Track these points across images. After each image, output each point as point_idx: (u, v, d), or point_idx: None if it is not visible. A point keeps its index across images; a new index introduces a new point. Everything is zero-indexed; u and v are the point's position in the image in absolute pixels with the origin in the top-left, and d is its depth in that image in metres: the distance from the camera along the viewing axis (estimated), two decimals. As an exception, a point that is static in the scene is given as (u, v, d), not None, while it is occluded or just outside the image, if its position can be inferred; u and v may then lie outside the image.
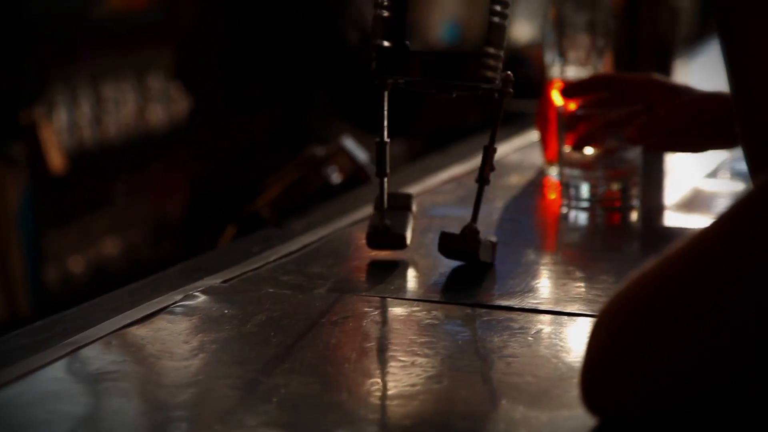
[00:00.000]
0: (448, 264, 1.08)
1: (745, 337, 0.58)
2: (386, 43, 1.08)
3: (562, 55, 1.43)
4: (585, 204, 1.28)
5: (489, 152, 1.06)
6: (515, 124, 1.86)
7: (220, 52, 1.99)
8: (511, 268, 1.10)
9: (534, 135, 1.64)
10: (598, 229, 1.28)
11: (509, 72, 1.05)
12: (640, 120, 1.24)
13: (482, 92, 1.04)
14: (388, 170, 1.10)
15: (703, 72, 2.33)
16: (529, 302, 0.98)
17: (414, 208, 1.19)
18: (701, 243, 0.60)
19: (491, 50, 1.01)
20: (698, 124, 1.24)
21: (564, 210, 1.29)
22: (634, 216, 1.29)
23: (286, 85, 1.95)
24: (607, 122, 1.27)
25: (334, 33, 1.91)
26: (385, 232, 1.10)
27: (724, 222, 0.60)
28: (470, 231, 1.06)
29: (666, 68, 1.68)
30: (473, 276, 1.07)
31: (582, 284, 1.05)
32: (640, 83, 1.29)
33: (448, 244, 1.07)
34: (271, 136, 1.95)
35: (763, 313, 0.57)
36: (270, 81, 1.95)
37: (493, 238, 1.10)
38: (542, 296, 1.00)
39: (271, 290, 1.03)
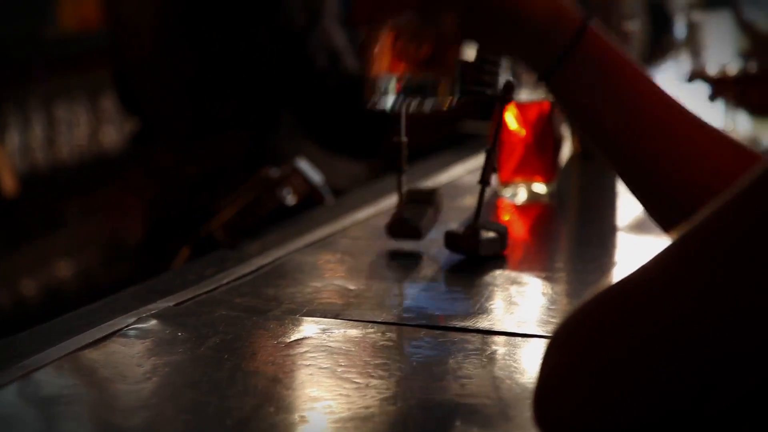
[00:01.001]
0: (404, 286, 1.09)
1: (700, 358, 0.59)
2: None
3: (516, 78, 1.44)
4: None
5: (491, 155, 1.16)
6: (469, 145, 1.87)
7: (182, 75, 1.98)
8: (466, 289, 1.10)
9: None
10: (553, 250, 1.28)
11: (510, 79, 1.13)
12: None
13: (484, 98, 1.08)
14: (405, 167, 1.22)
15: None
16: (484, 323, 0.98)
17: (438, 202, 1.26)
18: (654, 265, 0.61)
19: (490, 58, 1.06)
20: None
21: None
22: (592, 237, 1.30)
23: (251, 108, 1.94)
24: None
25: (302, 55, 1.91)
26: (403, 224, 1.20)
27: (677, 245, 0.60)
28: (471, 230, 1.17)
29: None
30: (428, 297, 1.07)
31: (536, 305, 1.06)
32: None
33: (452, 242, 1.19)
34: (236, 158, 1.95)
35: (717, 333, 0.58)
36: (235, 104, 1.94)
37: (495, 234, 1.17)
38: (497, 317, 1.01)
39: (224, 313, 1.02)
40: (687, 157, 0.88)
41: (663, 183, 0.88)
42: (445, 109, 0.92)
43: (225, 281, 1.12)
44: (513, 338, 0.95)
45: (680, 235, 0.60)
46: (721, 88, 1.79)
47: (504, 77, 1.10)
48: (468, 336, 0.95)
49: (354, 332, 0.96)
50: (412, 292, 1.09)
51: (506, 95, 1.13)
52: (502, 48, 0.94)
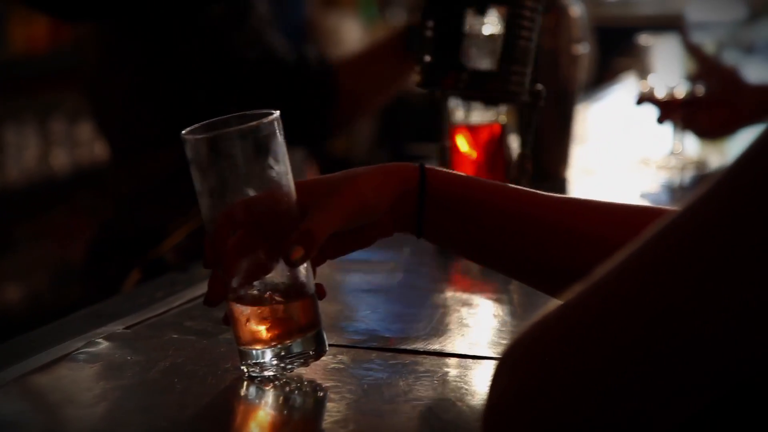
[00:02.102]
0: (354, 308, 1.09)
1: (650, 376, 0.59)
2: (428, 59, 1.25)
3: (466, 100, 1.45)
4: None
5: (522, 160, 1.27)
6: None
7: (125, 90, 1.96)
8: (417, 311, 1.10)
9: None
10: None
11: (539, 85, 1.23)
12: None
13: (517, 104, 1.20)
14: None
15: (602, 117, 2.38)
16: (435, 345, 0.98)
17: None
18: (600, 286, 0.61)
19: (517, 68, 1.15)
20: None
21: None
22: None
23: (189, 121, 1.92)
24: None
25: (231, 56, 1.89)
26: None
27: (620, 264, 0.61)
28: None
29: (566, 113, 1.70)
30: (379, 320, 1.07)
31: (488, 327, 1.06)
32: None
33: None
34: (177, 174, 1.93)
35: (665, 352, 0.58)
36: (174, 117, 1.93)
37: None
38: (448, 339, 1.01)
39: (175, 336, 1.02)
40: (579, 245, 0.88)
41: (566, 276, 0.88)
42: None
43: (176, 304, 1.12)
44: (464, 360, 0.95)
45: (624, 254, 0.61)
46: (669, 111, 1.81)
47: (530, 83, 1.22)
48: (419, 358, 0.95)
49: (305, 355, 0.96)
50: (364, 315, 1.09)
51: (537, 100, 1.26)
52: (369, 240, 0.94)
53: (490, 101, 1.32)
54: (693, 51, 1.93)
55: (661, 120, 1.82)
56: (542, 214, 0.89)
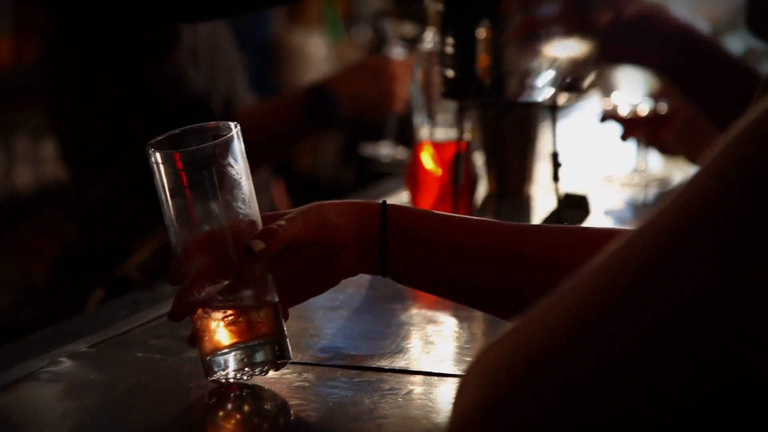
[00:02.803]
0: (320, 326, 1.08)
1: (609, 394, 0.59)
2: (451, 74, 1.34)
3: (431, 117, 1.46)
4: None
5: (554, 158, 1.38)
6: (386, 184, 1.88)
7: (73, 108, 1.95)
8: (383, 329, 1.10)
9: (405, 195, 1.65)
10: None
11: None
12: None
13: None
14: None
15: (567, 134, 2.38)
16: (401, 363, 0.98)
17: (589, 206, 1.47)
18: (559, 303, 0.62)
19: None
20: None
21: None
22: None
23: (135, 141, 1.91)
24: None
25: (143, 87, 1.89)
26: None
27: (578, 281, 0.61)
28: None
29: (530, 131, 1.71)
30: (344, 337, 1.07)
31: (453, 344, 1.06)
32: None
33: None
34: (136, 192, 1.92)
35: (621, 367, 0.59)
36: (119, 136, 1.92)
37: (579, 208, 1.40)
38: (413, 357, 1.01)
39: (139, 355, 1.01)
40: (543, 272, 0.89)
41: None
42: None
43: (140, 322, 1.11)
44: (429, 377, 0.95)
45: (581, 273, 0.61)
46: (632, 128, 1.82)
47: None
48: (384, 376, 0.95)
49: (270, 373, 0.95)
50: (329, 332, 1.09)
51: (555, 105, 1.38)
52: (334, 278, 0.95)
53: (509, 108, 1.45)
54: None
55: (624, 137, 1.83)
56: (503, 245, 0.90)
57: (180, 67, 1.90)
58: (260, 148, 1.98)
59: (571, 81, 1.36)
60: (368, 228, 0.92)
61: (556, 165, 1.40)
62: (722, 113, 1.36)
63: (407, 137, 2.05)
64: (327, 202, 0.93)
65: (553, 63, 1.31)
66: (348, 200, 0.94)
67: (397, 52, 2.12)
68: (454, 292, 0.94)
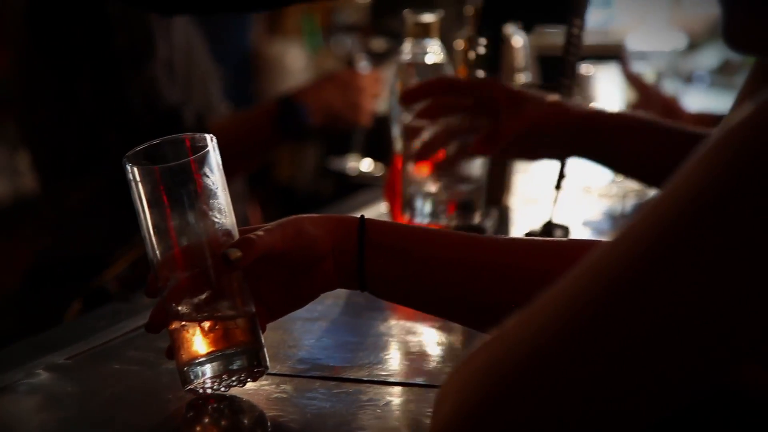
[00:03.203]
0: (298, 337, 1.08)
1: (587, 401, 0.60)
2: (481, 73, 1.41)
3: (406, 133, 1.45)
4: (428, 219, 1.28)
5: (563, 165, 1.40)
6: (364, 195, 1.88)
7: (45, 119, 1.95)
8: (361, 340, 1.10)
9: (383, 206, 1.65)
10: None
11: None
12: (485, 131, 1.26)
13: None
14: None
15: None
16: (379, 374, 0.98)
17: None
18: (537, 313, 0.62)
19: (567, 81, 1.35)
20: (535, 134, 1.26)
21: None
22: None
23: (106, 153, 1.90)
24: (448, 130, 1.29)
25: (117, 101, 1.89)
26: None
27: (556, 292, 0.62)
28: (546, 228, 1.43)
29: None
30: (323, 348, 1.07)
31: (431, 356, 1.06)
32: (484, 85, 1.31)
33: None
34: (112, 203, 1.91)
35: (604, 376, 0.59)
36: (91, 148, 1.91)
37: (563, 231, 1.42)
38: (392, 368, 1.01)
39: (117, 366, 1.01)
40: (520, 285, 0.89)
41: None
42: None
43: (118, 334, 1.11)
44: (408, 388, 0.95)
45: (558, 285, 0.62)
46: None
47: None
48: (363, 387, 0.95)
49: (248, 384, 0.95)
50: (307, 343, 1.08)
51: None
52: (313, 292, 0.95)
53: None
54: (633, 80, 1.95)
55: None
56: (479, 258, 0.91)
57: (154, 80, 1.90)
58: (231, 160, 1.99)
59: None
60: (346, 242, 0.92)
61: (561, 175, 1.43)
62: (653, 177, 1.36)
63: (375, 150, 2.06)
64: (304, 215, 0.93)
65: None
66: (326, 214, 0.95)
67: (364, 67, 2.13)
68: (432, 305, 0.94)
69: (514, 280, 0.89)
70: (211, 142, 0.90)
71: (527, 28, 1.54)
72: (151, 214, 0.89)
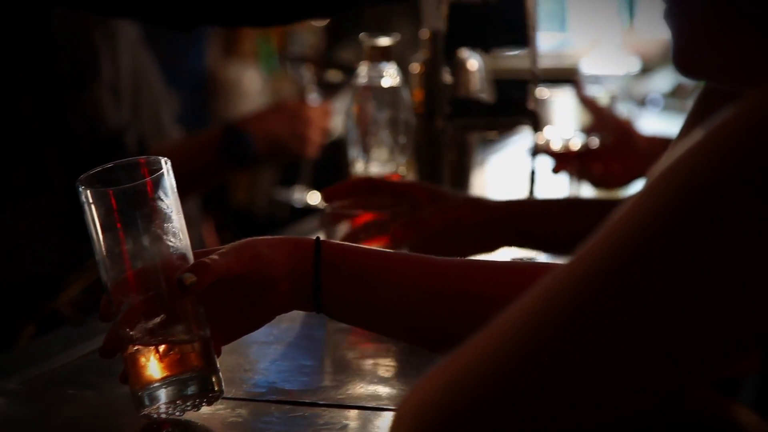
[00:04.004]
0: (254, 361, 1.08)
1: (542, 424, 0.60)
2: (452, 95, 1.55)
3: (366, 151, 1.46)
4: None
5: (532, 176, 1.52)
6: (312, 221, 1.87)
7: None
8: (318, 363, 1.10)
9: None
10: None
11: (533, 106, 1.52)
12: (404, 220, 1.27)
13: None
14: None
15: (499, 167, 2.41)
16: (335, 397, 0.98)
17: None
18: (494, 334, 0.62)
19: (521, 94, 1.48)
20: (455, 229, 1.27)
21: None
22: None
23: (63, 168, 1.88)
24: (370, 221, 1.30)
25: (57, 123, 1.88)
26: None
27: (514, 311, 0.62)
28: None
29: (464, 164, 1.72)
30: (278, 372, 1.06)
31: (387, 378, 1.06)
32: (406, 187, 1.32)
33: None
34: (62, 227, 1.89)
35: (559, 399, 0.59)
36: (35, 170, 1.89)
37: None
38: (348, 391, 1.01)
39: (71, 391, 1.00)
40: (473, 308, 0.90)
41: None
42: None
43: (72, 359, 1.10)
44: (364, 411, 0.95)
45: (512, 308, 0.62)
46: (564, 161, 1.85)
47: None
48: (319, 410, 0.95)
49: (204, 408, 0.95)
50: (263, 367, 1.08)
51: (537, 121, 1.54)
52: (269, 314, 0.95)
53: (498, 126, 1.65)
54: (587, 103, 1.97)
55: (555, 170, 1.85)
56: (436, 281, 0.91)
57: (98, 102, 1.89)
58: (177, 183, 1.98)
59: None
60: (302, 264, 0.92)
61: (533, 181, 1.53)
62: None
63: (329, 177, 2.06)
64: (260, 237, 0.93)
65: None
66: (281, 236, 0.94)
67: (314, 98, 2.14)
68: (387, 327, 0.94)
69: (469, 304, 0.90)
70: (166, 165, 0.90)
71: (486, 50, 1.62)
72: (104, 237, 0.88)
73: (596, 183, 1.91)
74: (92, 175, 0.89)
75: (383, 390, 1.02)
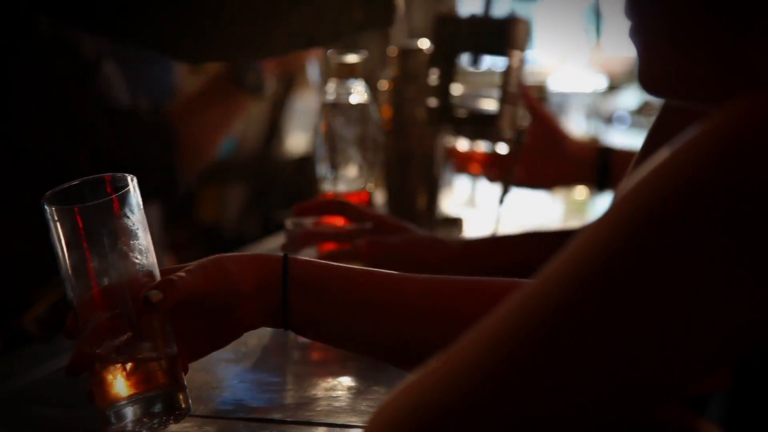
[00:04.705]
0: (221, 378, 1.08)
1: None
2: (434, 102, 1.63)
3: (334, 169, 1.46)
4: None
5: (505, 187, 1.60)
6: (280, 238, 1.87)
7: None
8: (285, 380, 1.10)
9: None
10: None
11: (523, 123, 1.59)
12: (371, 237, 1.28)
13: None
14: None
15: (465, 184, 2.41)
16: (303, 414, 0.98)
17: None
18: (461, 352, 0.62)
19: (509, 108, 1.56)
20: (414, 264, 1.27)
21: None
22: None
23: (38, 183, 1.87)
24: (335, 232, 1.31)
25: (75, 115, 1.87)
26: None
27: (483, 329, 0.62)
28: None
29: (432, 181, 1.73)
30: (246, 389, 1.06)
31: (355, 396, 1.06)
32: (371, 216, 1.33)
33: None
34: (29, 245, 1.88)
35: (528, 419, 0.59)
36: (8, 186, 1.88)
37: None
38: (316, 409, 1.01)
39: (37, 409, 0.99)
40: (441, 324, 0.91)
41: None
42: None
43: (38, 377, 1.09)
44: (332, 429, 0.95)
45: (481, 326, 0.62)
46: (466, 163, 1.86)
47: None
48: (287, 427, 0.95)
49: (171, 426, 0.94)
50: (231, 384, 1.08)
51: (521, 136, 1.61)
52: (236, 331, 0.95)
53: (484, 136, 1.67)
54: (530, 104, 1.93)
55: (459, 171, 1.89)
56: (402, 297, 0.91)
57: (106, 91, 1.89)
58: (205, 136, 2.00)
59: None
60: (269, 281, 0.91)
61: (505, 191, 1.61)
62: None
63: (297, 195, 2.06)
64: (227, 254, 0.93)
65: None
66: (248, 253, 0.94)
67: None
68: (355, 344, 0.94)
69: (436, 320, 0.90)
70: (132, 182, 0.90)
71: (474, 59, 1.70)
72: (69, 254, 0.88)
73: (519, 183, 1.90)
74: (57, 192, 0.88)
75: (351, 407, 1.02)
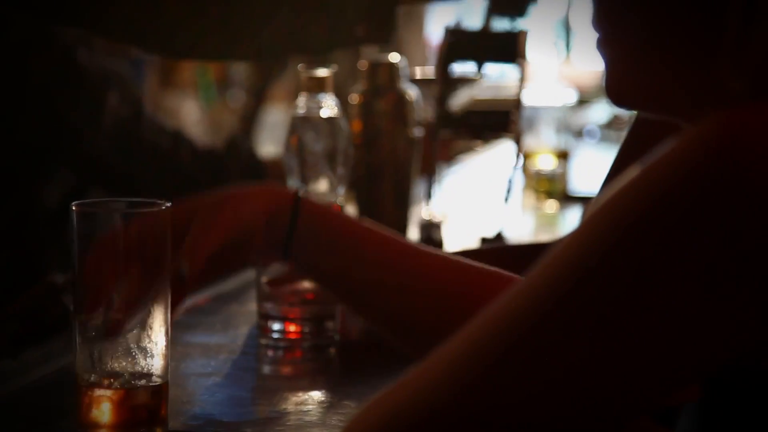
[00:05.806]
0: (192, 393, 1.07)
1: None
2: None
3: (304, 182, 1.46)
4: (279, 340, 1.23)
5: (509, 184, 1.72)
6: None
7: None
8: (256, 395, 1.09)
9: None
10: (337, 356, 1.29)
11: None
12: None
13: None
14: None
15: (439, 199, 2.41)
16: (274, 429, 0.98)
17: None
18: (440, 361, 0.62)
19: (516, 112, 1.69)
20: None
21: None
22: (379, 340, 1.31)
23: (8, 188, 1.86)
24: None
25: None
26: None
27: (457, 341, 0.62)
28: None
29: (403, 195, 1.73)
30: (216, 403, 1.06)
31: (325, 410, 1.06)
32: None
33: None
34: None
35: (511, 426, 0.60)
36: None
37: None
38: (286, 423, 1.00)
39: (4, 426, 0.99)
40: (435, 299, 0.91)
41: (418, 331, 0.91)
42: None
43: (5, 392, 1.08)
44: (302, 443, 0.95)
45: (467, 329, 0.62)
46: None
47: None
48: (257, 442, 0.94)
49: (141, 442, 0.94)
50: (201, 399, 1.07)
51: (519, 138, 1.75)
52: (238, 264, 0.97)
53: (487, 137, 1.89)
54: None
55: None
56: (405, 264, 0.92)
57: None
58: None
59: None
60: (280, 212, 0.93)
61: (509, 189, 1.73)
62: None
63: None
64: (237, 192, 0.94)
65: None
66: (259, 187, 0.97)
67: None
68: (345, 294, 0.95)
69: (433, 296, 0.91)
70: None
71: (479, 67, 1.80)
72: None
73: None
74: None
75: (321, 423, 1.02)
